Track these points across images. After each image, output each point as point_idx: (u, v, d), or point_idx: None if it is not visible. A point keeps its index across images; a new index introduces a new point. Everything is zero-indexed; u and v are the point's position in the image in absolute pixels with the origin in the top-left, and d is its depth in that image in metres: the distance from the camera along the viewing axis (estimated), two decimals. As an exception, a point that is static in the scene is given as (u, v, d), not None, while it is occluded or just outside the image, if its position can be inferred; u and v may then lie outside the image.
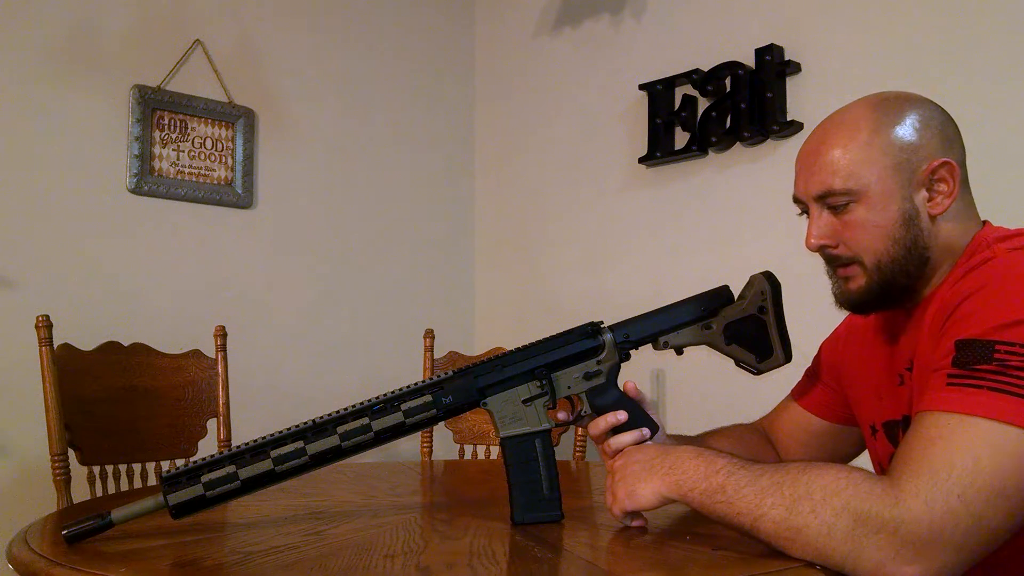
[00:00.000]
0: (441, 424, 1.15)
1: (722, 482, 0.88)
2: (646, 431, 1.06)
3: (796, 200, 1.06)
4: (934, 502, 0.78)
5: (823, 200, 1.01)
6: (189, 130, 2.48)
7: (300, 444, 0.98)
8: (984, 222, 1.03)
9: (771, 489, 0.85)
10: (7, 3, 2.21)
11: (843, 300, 1.05)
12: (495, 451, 2.16)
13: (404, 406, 1.01)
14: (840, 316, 1.21)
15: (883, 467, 1.10)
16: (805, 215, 1.05)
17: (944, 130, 1.00)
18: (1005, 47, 1.89)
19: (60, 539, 0.95)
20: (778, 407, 1.29)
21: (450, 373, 1.05)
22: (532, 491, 1.03)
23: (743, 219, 2.34)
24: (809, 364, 1.27)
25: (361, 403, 1.01)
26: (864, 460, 1.17)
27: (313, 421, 1.00)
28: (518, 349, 1.07)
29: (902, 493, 0.79)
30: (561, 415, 1.09)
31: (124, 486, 1.76)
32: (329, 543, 0.96)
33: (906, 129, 0.98)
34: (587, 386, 1.07)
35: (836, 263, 1.03)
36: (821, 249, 1.03)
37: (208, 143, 2.52)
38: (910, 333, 1.03)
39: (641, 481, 0.95)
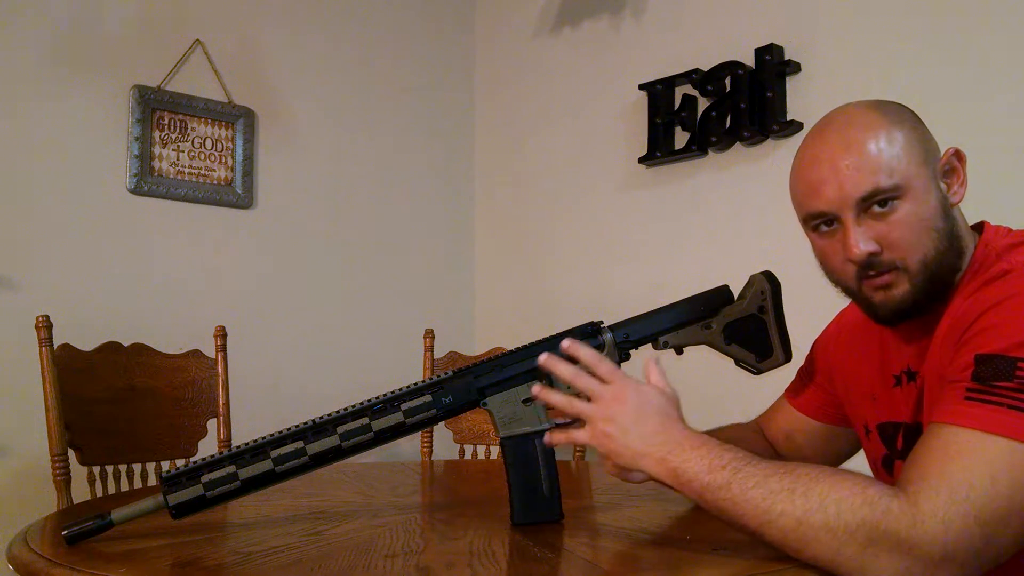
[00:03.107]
0: (441, 424, 1.15)
1: (727, 479, 0.86)
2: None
3: (818, 215, 0.97)
4: (951, 522, 0.77)
5: (867, 202, 0.93)
6: (189, 130, 2.48)
7: (300, 444, 0.98)
8: (982, 223, 1.03)
9: (782, 495, 0.83)
10: (7, 3, 2.21)
11: (887, 310, 0.97)
12: (495, 451, 2.16)
13: (404, 406, 1.01)
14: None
15: (877, 467, 1.09)
16: (822, 231, 0.98)
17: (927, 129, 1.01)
18: (1005, 47, 1.89)
19: (60, 539, 0.95)
20: (773, 407, 1.29)
21: (450, 373, 1.05)
22: (532, 491, 1.03)
23: (743, 219, 2.34)
24: (802, 363, 1.27)
25: (361, 403, 1.01)
26: (861, 459, 1.17)
27: (313, 421, 1.00)
28: (518, 349, 1.07)
29: (921, 513, 0.78)
30: (558, 420, 1.09)
31: (124, 486, 1.76)
32: (329, 543, 0.96)
33: (912, 125, 0.98)
34: (587, 386, 1.07)
35: (876, 271, 0.95)
36: (869, 257, 0.94)
37: (208, 143, 2.52)
38: (910, 337, 1.03)
39: (632, 458, 0.93)
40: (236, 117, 2.55)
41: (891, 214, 0.93)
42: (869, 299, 0.98)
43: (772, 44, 2.24)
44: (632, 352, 1.10)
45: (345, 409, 1.01)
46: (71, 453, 1.65)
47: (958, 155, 0.98)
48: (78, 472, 1.67)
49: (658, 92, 2.50)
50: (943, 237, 0.95)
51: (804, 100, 2.22)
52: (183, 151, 2.47)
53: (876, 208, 0.93)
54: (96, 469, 1.71)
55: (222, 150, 2.54)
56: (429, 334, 2.26)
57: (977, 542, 0.77)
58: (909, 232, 0.93)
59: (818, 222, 0.98)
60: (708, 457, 0.89)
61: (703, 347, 1.10)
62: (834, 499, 0.81)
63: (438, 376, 1.04)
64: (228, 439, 1.92)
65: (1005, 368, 0.81)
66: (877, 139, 0.94)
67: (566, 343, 1.01)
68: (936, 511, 0.78)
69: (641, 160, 2.54)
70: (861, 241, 0.94)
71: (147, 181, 2.39)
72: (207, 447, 1.79)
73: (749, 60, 2.29)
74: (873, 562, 0.78)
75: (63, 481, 1.62)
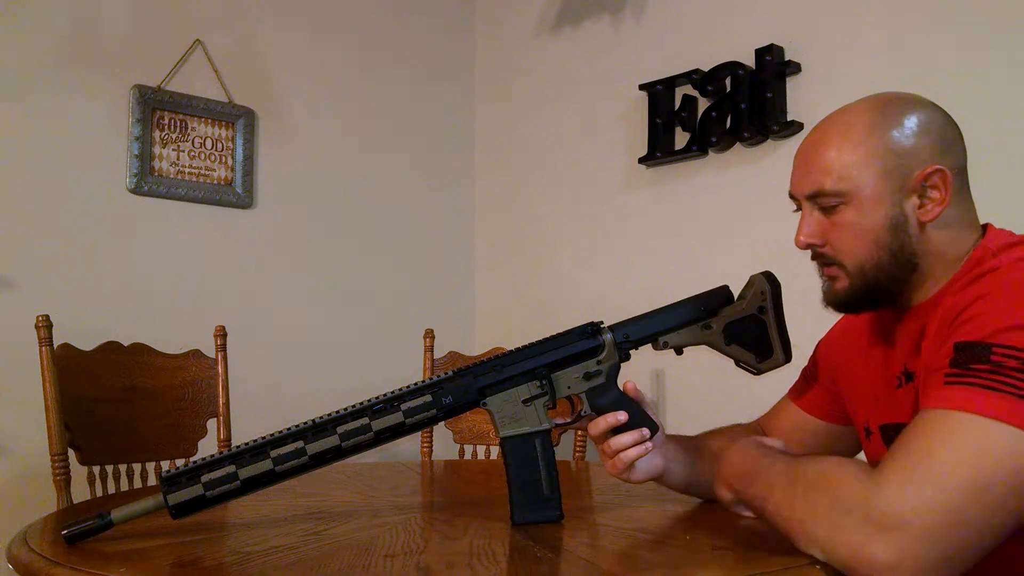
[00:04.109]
0: (441, 424, 1.15)
1: (753, 469, 0.96)
2: (646, 431, 1.06)
3: (792, 196, 1.07)
4: (909, 489, 0.79)
5: (814, 199, 1.01)
6: (189, 130, 2.48)
7: (300, 444, 0.98)
8: (986, 225, 1.03)
9: (779, 477, 0.90)
10: (7, 3, 2.21)
11: (829, 299, 1.06)
12: (495, 451, 2.16)
13: (404, 406, 1.01)
14: (839, 316, 1.22)
15: None
16: (799, 211, 1.06)
17: (943, 135, 0.99)
18: (1006, 47, 1.89)
19: (60, 539, 0.95)
20: (775, 407, 1.29)
21: (450, 373, 1.05)
22: (532, 491, 1.03)
23: (743, 219, 2.34)
24: (806, 364, 1.27)
25: (361, 403, 1.01)
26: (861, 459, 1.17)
27: (313, 421, 1.00)
28: (518, 349, 1.07)
29: (880, 479, 0.81)
30: (558, 420, 1.09)
31: (124, 486, 1.76)
32: (329, 543, 0.96)
33: (903, 133, 0.97)
34: (587, 386, 1.07)
35: (823, 262, 1.05)
36: (809, 247, 1.04)
37: (208, 143, 2.52)
38: (905, 338, 1.03)
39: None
40: (236, 117, 2.55)
41: (835, 215, 1.00)
42: (823, 284, 1.06)
43: (772, 44, 2.24)
44: (632, 352, 1.10)
45: (345, 409, 1.01)
46: (71, 453, 1.65)
47: (940, 174, 0.97)
48: (78, 472, 1.67)
49: (658, 92, 2.50)
50: (885, 251, 0.98)
51: (804, 100, 2.22)
52: (183, 151, 2.47)
53: (825, 206, 1.01)
54: (96, 469, 1.72)
55: (222, 150, 2.54)
56: (429, 334, 2.26)
57: (940, 513, 0.77)
58: (847, 236, 1.00)
59: (793, 201, 1.07)
60: (740, 455, 1.01)
61: (703, 347, 1.10)
62: (814, 471, 0.87)
63: (438, 376, 1.04)
64: (228, 439, 1.92)
65: (981, 352, 0.83)
66: (842, 143, 0.99)
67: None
68: (894, 479, 0.80)
69: (641, 160, 2.54)
70: (803, 233, 1.03)
71: (147, 181, 2.39)
72: (207, 447, 1.79)
73: (749, 60, 2.29)
74: (839, 528, 0.81)
75: (63, 481, 1.62)
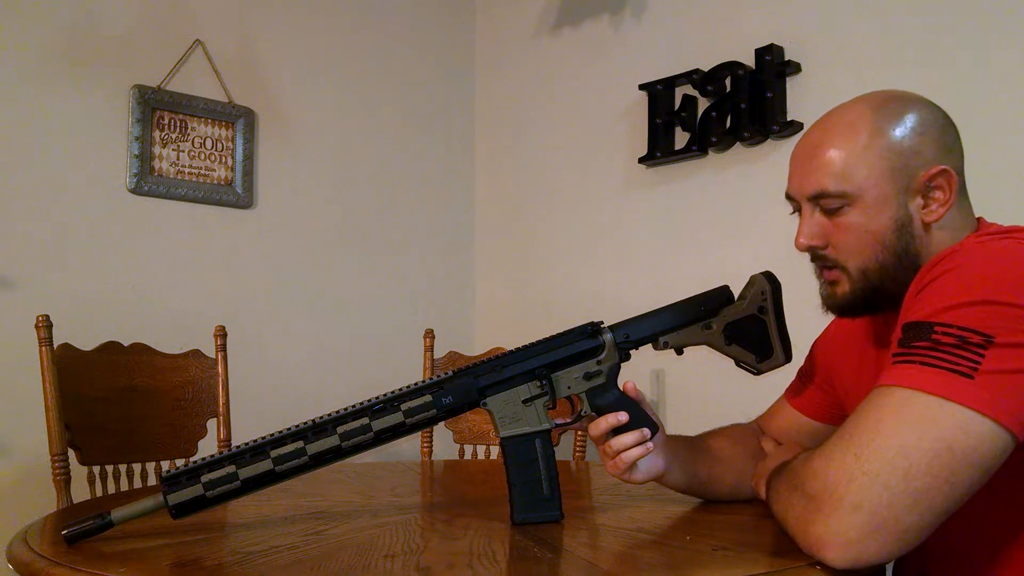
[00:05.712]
0: (441, 424, 1.15)
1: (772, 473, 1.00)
2: (647, 431, 1.06)
3: (789, 197, 1.05)
4: (832, 459, 0.82)
5: (816, 201, 1.00)
6: (189, 130, 2.48)
7: (300, 444, 0.98)
8: (978, 219, 1.03)
9: (780, 478, 0.94)
10: (7, 3, 2.21)
11: (829, 304, 1.05)
12: (495, 451, 2.16)
13: (404, 406, 1.01)
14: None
15: None
16: (797, 213, 1.05)
17: (944, 135, 0.98)
18: (1006, 48, 1.89)
19: (60, 539, 0.95)
20: (773, 408, 1.29)
21: (450, 373, 1.05)
22: (532, 491, 1.03)
23: (743, 219, 2.34)
24: (802, 363, 1.27)
25: (361, 403, 1.01)
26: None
27: (313, 421, 1.00)
28: (518, 349, 1.07)
29: (817, 455, 0.85)
30: (559, 420, 1.09)
31: (124, 486, 1.76)
32: (329, 543, 0.96)
33: (906, 133, 0.97)
34: (587, 386, 1.07)
35: (822, 265, 1.03)
36: (810, 250, 1.03)
37: (208, 143, 2.52)
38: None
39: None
40: (236, 117, 2.55)
41: (839, 217, 0.99)
42: (822, 289, 1.05)
43: (772, 44, 2.24)
44: (632, 352, 1.10)
45: (345, 409, 1.01)
46: (71, 453, 1.65)
47: (945, 174, 0.96)
48: (78, 472, 1.67)
49: (658, 92, 2.50)
50: (890, 253, 0.97)
51: (804, 100, 2.22)
52: (183, 151, 2.47)
53: (827, 208, 0.99)
54: (96, 469, 1.72)
55: (222, 150, 2.54)
56: (429, 334, 2.26)
57: (859, 479, 0.79)
58: (852, 238, 0.98)
59: (791, 202, 1.05)
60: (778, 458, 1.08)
61: (703, 347, 1.10)
62: (793, 464, 0.92)
63: (438, 376, 1.04)
64: (228, 439, 1.92)
65: (923, 331, 0.84)
66: (846, 144, 0.97)
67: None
68: (824, 451, 0.84)
69: (641, 160, 2.54)
70: (804, 235, 1.01)
71: (147, 181, 2.39)
72: (207, 447, 1.79)
73: (749, 60, 2.29)
74: (790, 504, 0.87)
75: (63, 481, 1.62)
